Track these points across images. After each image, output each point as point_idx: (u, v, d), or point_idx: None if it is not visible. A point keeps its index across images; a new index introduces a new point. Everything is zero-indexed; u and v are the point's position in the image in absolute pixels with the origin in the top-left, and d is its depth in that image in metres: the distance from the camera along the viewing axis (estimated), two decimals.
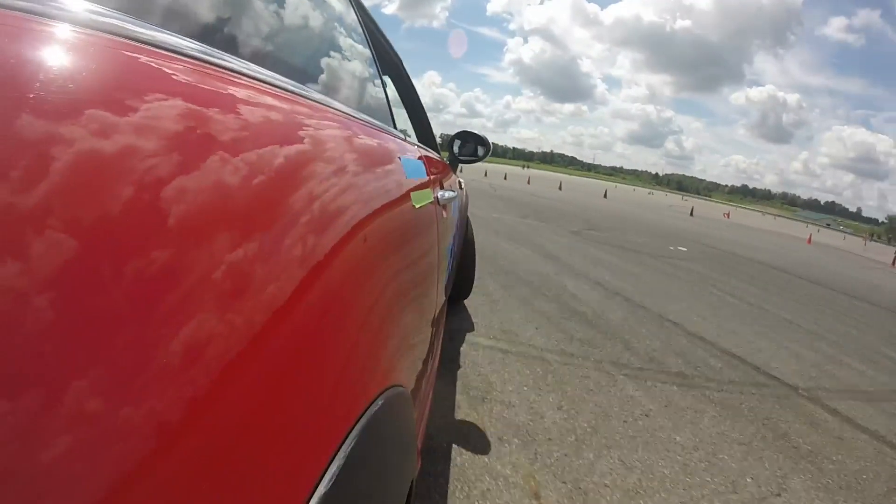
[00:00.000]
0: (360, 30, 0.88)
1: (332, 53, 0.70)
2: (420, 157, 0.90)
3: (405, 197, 0.59)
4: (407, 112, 1.70)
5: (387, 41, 1.24)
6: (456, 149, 1.77)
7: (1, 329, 0.13)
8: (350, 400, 0.31)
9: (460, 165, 1.84)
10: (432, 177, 0.95)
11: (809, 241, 17.19)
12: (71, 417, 0.14)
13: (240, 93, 0.30)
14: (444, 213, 1.01)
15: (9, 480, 0.12)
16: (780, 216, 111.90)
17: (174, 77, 0.25)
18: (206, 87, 0.27)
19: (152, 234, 0.18)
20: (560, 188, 18.56)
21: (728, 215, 26.58)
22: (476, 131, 1.80)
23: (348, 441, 0.29)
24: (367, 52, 0.88)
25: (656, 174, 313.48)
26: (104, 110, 0.19)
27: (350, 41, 0.81)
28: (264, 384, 0.22)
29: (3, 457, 0.12)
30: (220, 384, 0.19)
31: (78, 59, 0.20)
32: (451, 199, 1.14)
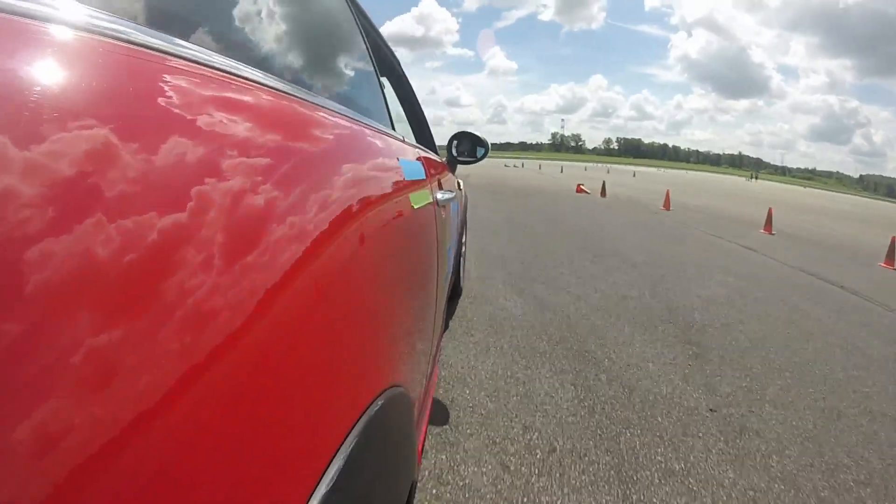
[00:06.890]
0: (358, 31, 0.88)
1: (330, 55, 0.70)
2: (418, 158, 0.90)
3: (404, 198, 0.59)
4: (405, 113, 1.69)
5: (385, 43, 1.24)
6: (454, 149, 1.77)
7: (2, 329, 0.13)
8: (350, 400, 0.31)
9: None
10: (431, 177, 0.95)
11: None
12: (70, 419, 0.14)
13: (238, 95, 0.30)
14: (442, 213, 1.01)
15: (12, 482, 0.12)
16: None
17: (173, 80, 0.25)
18: (204, 89, 0.27)
19: (152, 236, 0.18)
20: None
21: None
22: (474, 131, 1.79)
23: (348, 441, 0.29)
24: (365, 53, 0.88)
25: (860, 176, 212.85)
26: (104, 113, 0.19)
27: (348, 43, 0.81)
28: (265, 385, 0.22)
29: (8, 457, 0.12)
30: (221, 385, 0.19)
31: (76, 63, 0.20)
32: (449, 200, 1.14)
